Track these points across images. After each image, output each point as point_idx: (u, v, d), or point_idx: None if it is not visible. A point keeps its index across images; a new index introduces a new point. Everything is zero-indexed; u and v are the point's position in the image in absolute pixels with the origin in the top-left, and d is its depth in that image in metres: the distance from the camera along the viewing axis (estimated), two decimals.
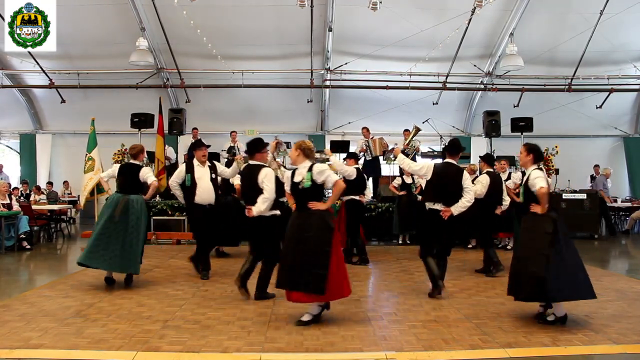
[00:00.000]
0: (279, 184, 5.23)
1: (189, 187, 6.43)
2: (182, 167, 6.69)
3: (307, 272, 4.33)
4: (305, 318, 4.52)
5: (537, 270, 4.31)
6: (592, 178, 13.67)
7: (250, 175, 5.20)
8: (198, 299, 5.47)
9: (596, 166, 13.73)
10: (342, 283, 4.50)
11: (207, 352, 3.83)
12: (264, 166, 5.22)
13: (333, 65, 13.46)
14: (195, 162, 6.57)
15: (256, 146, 5.30)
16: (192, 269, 6.74)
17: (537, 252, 4.39)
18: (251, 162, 5.32)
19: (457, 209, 5.36)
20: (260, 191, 5.05)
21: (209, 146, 7.09)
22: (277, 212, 5.25)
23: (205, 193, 6.43)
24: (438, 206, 5.40)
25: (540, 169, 4.75)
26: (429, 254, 5.45)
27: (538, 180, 4.52)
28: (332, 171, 4.78)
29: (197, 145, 6.90)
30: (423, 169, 5.61)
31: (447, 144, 6.02)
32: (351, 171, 5.84)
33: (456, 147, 5.64)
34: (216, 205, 6.59)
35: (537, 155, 4.78)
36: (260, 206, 5.00)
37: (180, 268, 7.19)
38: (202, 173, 6.48)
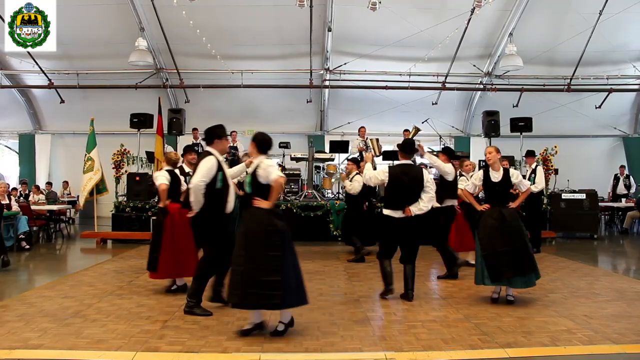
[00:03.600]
0: None
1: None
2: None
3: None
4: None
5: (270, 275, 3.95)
6: (616, 178, 13.60)
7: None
8: None
9: (622, 167, 13.75)
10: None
11: (206, 352, 3.83)
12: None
13: (332, 65, 13.47)
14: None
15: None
16: None
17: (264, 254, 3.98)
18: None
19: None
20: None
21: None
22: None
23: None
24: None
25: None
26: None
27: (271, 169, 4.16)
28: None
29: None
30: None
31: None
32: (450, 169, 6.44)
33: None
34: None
35: (262, 147, 4.32)
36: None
37: None
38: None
